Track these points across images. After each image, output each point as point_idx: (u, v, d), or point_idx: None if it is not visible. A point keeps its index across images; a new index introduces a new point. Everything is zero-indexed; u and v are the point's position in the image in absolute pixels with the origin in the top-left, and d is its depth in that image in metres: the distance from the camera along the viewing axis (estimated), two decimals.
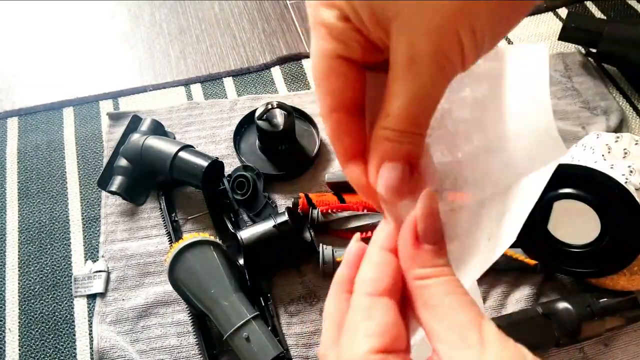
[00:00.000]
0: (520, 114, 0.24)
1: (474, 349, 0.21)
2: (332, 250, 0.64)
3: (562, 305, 0.58)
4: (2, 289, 0.66)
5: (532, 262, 0.63)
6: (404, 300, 0.24)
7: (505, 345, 0.21)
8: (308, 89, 0.85)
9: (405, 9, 0.20)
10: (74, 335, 0.63)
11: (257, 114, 0.70)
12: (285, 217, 0.64)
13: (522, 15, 0.22)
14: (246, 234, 0.63)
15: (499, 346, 0.21)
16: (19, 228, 0.71)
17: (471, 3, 0.20)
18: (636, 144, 0.69)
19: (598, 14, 0.95)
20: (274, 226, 0.63)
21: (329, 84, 0.23)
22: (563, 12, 0.94)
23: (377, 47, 0.23)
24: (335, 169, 0.75)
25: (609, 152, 0.69)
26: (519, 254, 0.63)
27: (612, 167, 0.66)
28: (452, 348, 0.21)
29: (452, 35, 0.20)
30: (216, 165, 0.68)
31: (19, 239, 0.70)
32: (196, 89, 0.85)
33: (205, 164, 0.66)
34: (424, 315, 0.23)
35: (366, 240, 0.25)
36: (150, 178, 0.72)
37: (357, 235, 0.27)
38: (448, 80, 0.22)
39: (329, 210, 0.67)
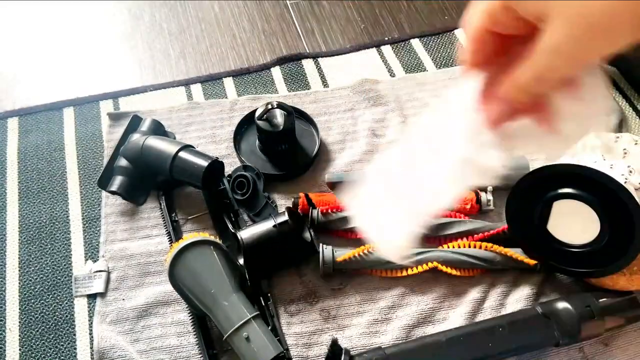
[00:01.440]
0: None
1: None
2: (332, 250, 0.64)
3: (562, 305, 0.57)
4: (3, 289, 0.66)
5: (532, 262, 0.63)
6: None
7: None
8: (308, 89, 0.85)
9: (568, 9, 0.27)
10: (74, 335, 0.63)
11: (257, 114, 0.70)
12: (285, 217, 0.64)
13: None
14: (246, 234, 0.63)
15: None
16: (19, 228, 0.71)
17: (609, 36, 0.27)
18: (635, 144, 0.69)
19: None
20: (274, 226, 0.63)
21: (474, 45, 0.33)
22: None
23: (515, 25, 0.31)
24: (335, 169, 0.75)
25: (608, 152, 0.69)
26: (518, 254, 0.63)
27: (611, 167, 0.66)
28: None
29: (590, 50, 0.28)
30: (216, 165, 0.68)
31: (19, 239, 0.70)
32: (196, 89, 0.85)
33: (205, 164, 0.66)
34: None
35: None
36: (151, 178, 0.72)
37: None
38: (565, 74, 0.29)
39: (329, 210, 0.67)
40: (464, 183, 0.33)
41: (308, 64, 0.88)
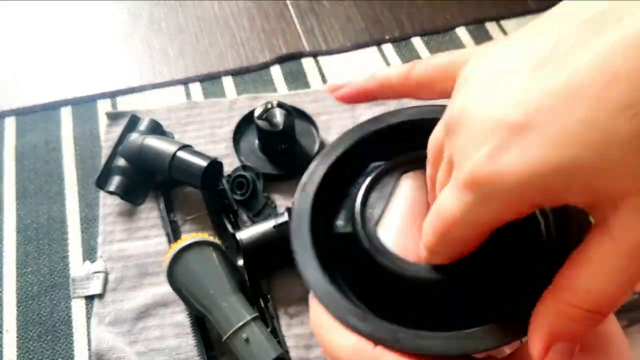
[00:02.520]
0: None
1: None
2: None
3: None
4: (0, 290, 0.66)
5: None
6: None
7: None
8: (308, 88, 0.84)
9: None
10: (72, 336, 0.62)
11: (256, 113, 0.70)
12: (285, 218, 0.63)
13: None
14: (245, 234, 0.63)
15: None
16: (16, 229, 0.70)
17: None
18: None
19: None
20: (274, 227, 0.63)
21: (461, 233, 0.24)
22: None
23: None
24: None
25: None
26: None
27: None
28: None
29: None
30: (215, 165, 0.67)
31: (16, 240, 0.69)
32: (195, 88, 0.85)
33: (204, 164, 0.66)
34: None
35: None
36: (149, 178, 0.72)
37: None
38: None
39: None
40: None
41: (308, 63, 0.87)
